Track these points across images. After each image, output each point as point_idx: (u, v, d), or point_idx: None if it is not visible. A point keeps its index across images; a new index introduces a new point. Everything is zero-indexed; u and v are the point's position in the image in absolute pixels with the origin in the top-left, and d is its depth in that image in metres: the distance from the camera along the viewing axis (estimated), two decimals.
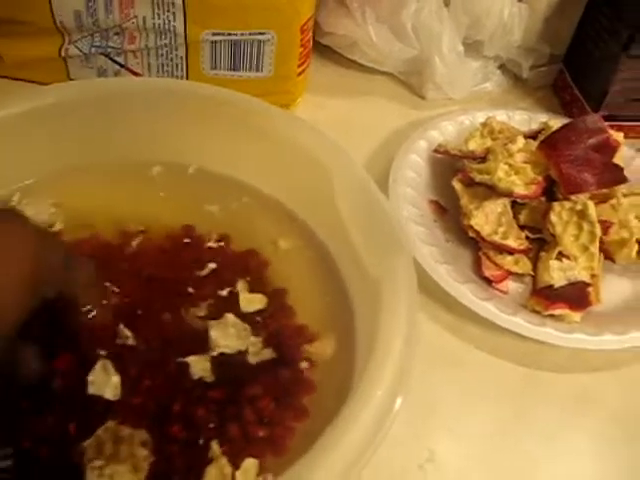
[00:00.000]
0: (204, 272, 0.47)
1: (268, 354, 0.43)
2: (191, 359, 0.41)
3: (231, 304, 0.45)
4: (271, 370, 0.42)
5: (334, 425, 0.33)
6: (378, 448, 0.33)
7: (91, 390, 0.38)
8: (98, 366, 0.39)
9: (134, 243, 0.48)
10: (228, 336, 0.43)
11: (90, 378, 0.39)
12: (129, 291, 0.45)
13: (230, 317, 0.44)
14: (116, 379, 0.39)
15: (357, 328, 0.43)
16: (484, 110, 0.66)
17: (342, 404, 0.35)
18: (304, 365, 0.43)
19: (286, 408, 0.41)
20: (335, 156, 0.47)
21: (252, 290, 0.46)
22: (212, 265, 0.47)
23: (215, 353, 0.42)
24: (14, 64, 0.64)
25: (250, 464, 0.38)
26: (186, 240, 0.49)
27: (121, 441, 0.37)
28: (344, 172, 0.46)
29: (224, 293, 0.46)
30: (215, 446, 0.38)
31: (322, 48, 0.72)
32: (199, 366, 0.41)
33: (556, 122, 0.60)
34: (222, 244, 0.49)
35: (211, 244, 0.49)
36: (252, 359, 0.42)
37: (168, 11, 0.58)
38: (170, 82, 0.58)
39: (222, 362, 0.42)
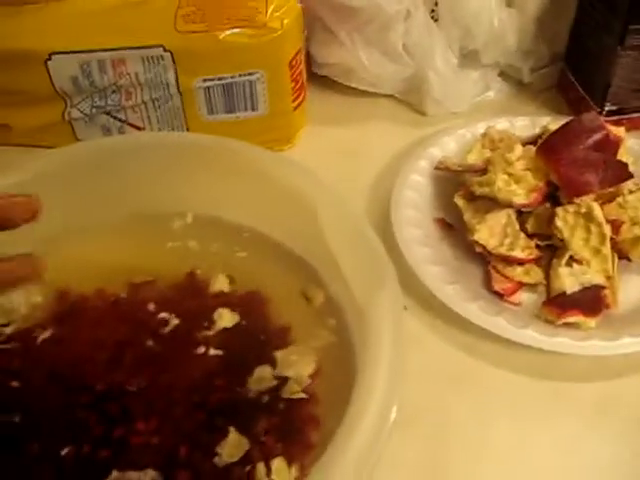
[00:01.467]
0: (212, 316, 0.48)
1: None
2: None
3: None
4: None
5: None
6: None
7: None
8: None
9: (140, 293, 0.49)
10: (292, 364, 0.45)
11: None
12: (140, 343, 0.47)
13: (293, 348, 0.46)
14: None
15: (357, 359, 0.43)
16: (485, 120, 0.65)
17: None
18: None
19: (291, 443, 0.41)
20: (321, 192, 0.47)
21: None
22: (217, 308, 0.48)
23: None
24: (23, 132, 0.66)
25: (279, 464, 0.40)
26: (190, 286, 0.50)
27: None
28: (329, 207, 0.46)
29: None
30: (261, 467, 0.40)
31: (320, 79, 0.72)
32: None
33: (556, 125, 0.59)
34: (225, 287, 0.50)
35: (214, 288, 0.50)
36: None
37: (158, 64, 0.60)
38: (163, 135, 0.60)
39: None
